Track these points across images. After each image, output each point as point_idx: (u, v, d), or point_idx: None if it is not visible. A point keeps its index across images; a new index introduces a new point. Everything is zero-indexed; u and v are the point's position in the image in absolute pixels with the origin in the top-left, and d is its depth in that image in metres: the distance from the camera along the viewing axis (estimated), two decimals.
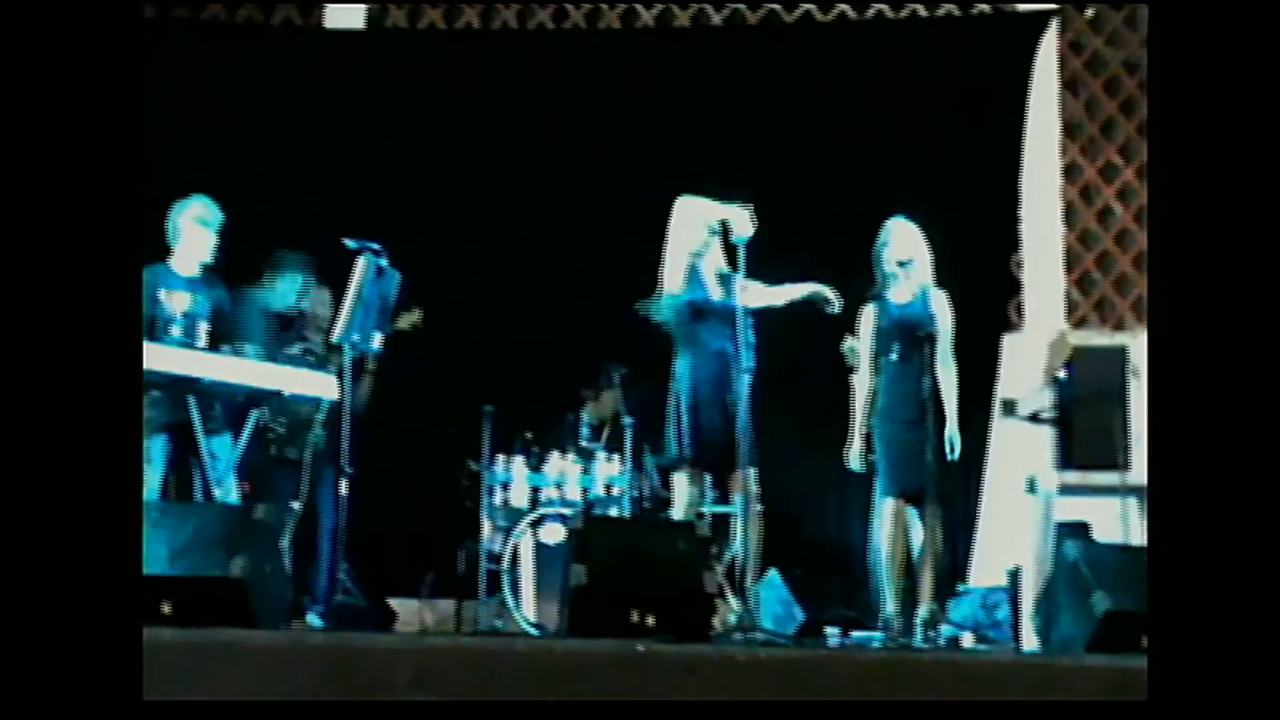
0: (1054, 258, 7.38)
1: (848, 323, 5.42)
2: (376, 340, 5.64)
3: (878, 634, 5.23)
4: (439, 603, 6.52)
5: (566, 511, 6.12)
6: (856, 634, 5.65)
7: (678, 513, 5.22)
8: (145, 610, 4.38)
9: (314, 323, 6.11)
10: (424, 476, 6.53)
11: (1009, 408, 7.09)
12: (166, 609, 4.44)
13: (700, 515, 5.20)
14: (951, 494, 5.60)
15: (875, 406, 5.32)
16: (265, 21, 7.81)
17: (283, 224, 7.01)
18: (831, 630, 5.65)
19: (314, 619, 5.61)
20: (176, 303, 5.45)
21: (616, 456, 6.30)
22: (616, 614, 4.47)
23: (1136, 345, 6.83)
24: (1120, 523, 6.59)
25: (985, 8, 7.58)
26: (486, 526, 6.28)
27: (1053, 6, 7.45)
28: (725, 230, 5.26)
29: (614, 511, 6.19)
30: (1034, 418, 7.05)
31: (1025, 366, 7.20)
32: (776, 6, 7.68)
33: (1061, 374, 6.98)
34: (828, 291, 5.35)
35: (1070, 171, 7.47)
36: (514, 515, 6.28)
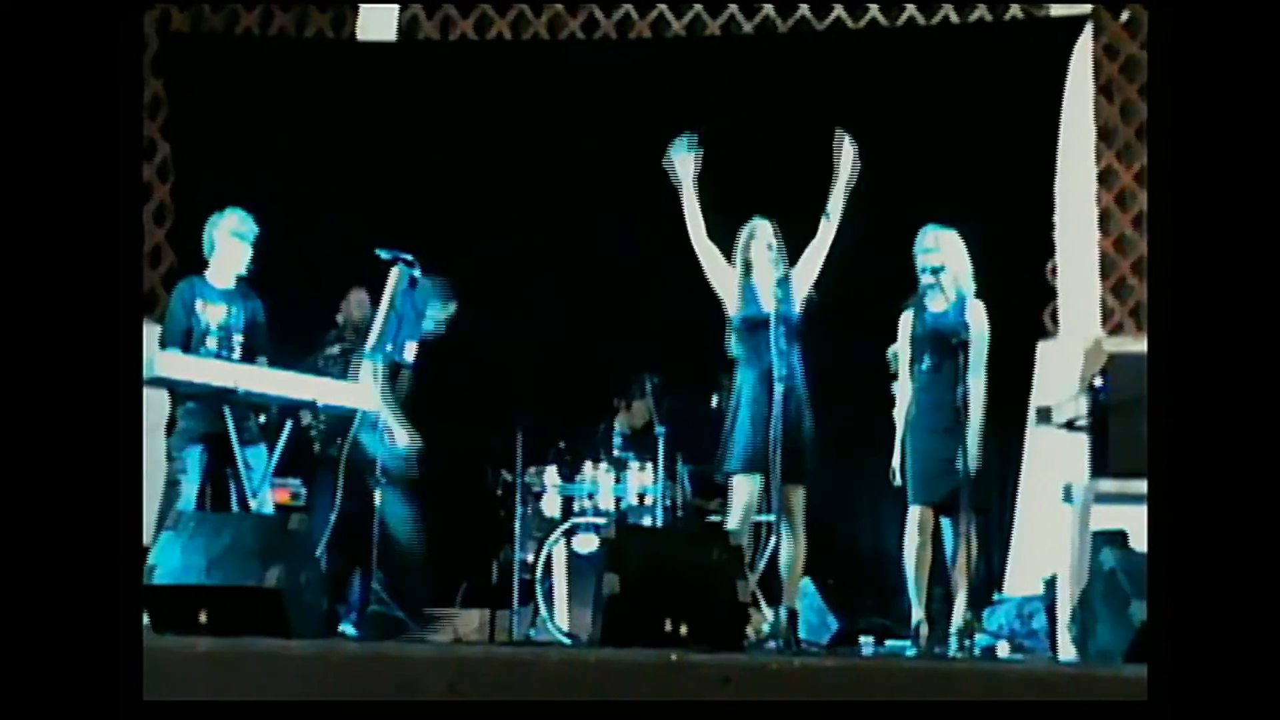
0: (1089, 264, 7.32)
1: (889, 329, 5.40)
2: (409, 351, 5.68)
3: (910, 643, 5.20)
4: (473, 612, 6.53)
5: (599, 521, 6.12)
6: (891, 643, 5.62)
7: (733, 521, 5.18)
8: (182, 619, 4.44)
9: (353, 326, 6.16)
10: (457, 486, 6.54)
11: (1044, 415, 7.04)
12: (203, 618, 4.48)
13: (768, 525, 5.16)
14: (986, 503, 5.56)
15: (907, 414, 5.30)
16: (298, 34, 7.86)
17: (317, 235, 7.08)
18: (866, 639, 5.63)
19: (348, 629, 5.63)
20: (212, 315, 5.49)
21: (649, 465, 6.30)
22: (650, 623, 4.46)
23: None
24: None
25: (1018, 12, 7.55)
26: (519, 536, 6.29)
27: (1087, 10, 7.40)
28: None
29: (647, 521, 6.18)
30: (1069, 425, 6.99)
31: (1060, 374, 7.15)
32: (808, 14, 7.67)
33: (1097, 381, 6.92)
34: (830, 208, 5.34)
35: (1105, 177, 7.42)
36: (547, 525, 6.28)
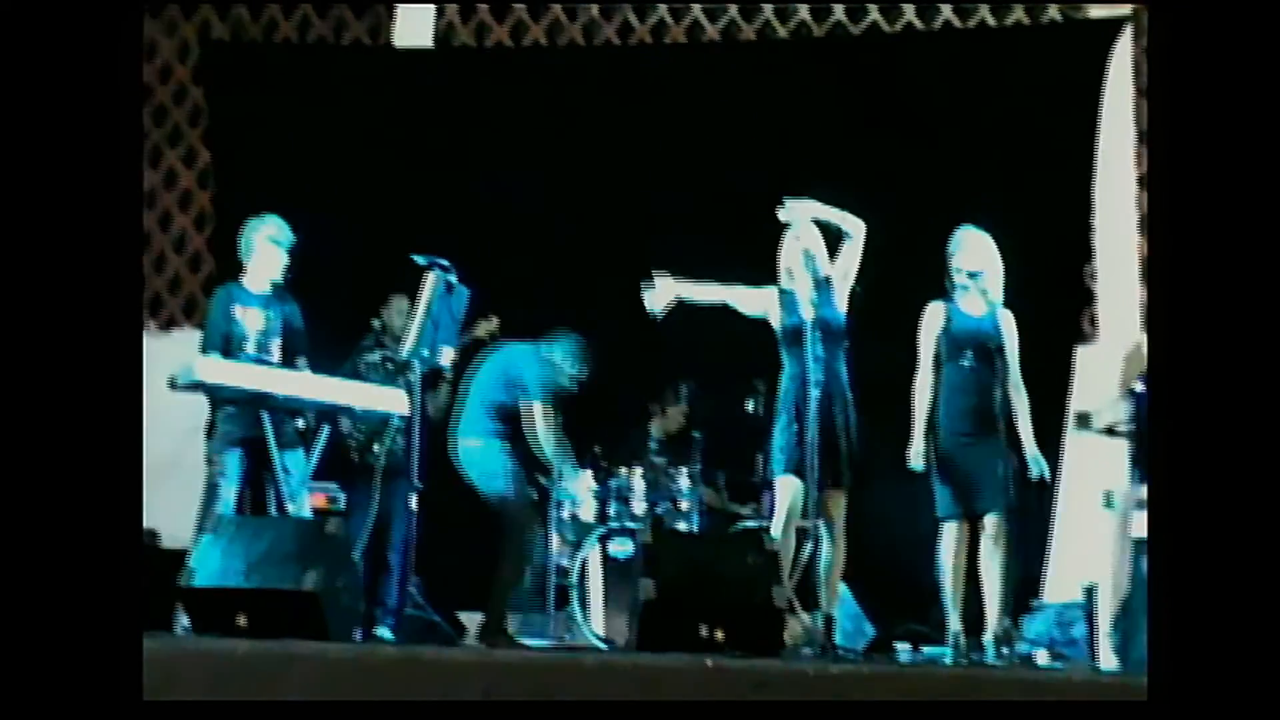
0: (1129, 267, 7.25)
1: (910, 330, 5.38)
2: (446, 356, 5.70)
3: (949, 650, 5.17)
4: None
5: (635, 526, 6.12)
6: (928, 649, 5.58)
7: (776, 525, 5.17)
8: (222, 622, 4.48)
9: (392, 333, 6.20)
10: None
11: (1084, 421, 6.98)
12: (242, 621, 4.51)
13: (803, 530, 5.15)
14: (1023, 509, 5.51)
15: (939, 415, 5.25)
16: (336, 41, 7.92)
17: (354, 241, 7.12)
18: (902, 646, 5.59)
19: (385, 632, 5.66)
20: (250, 320, 5.53)
21: (685, 470, 6.29)
22: (685, 628, 4.46)
23: None
24: None
25: (1056, 15, 7.50)
26: (555, 541, 6.30)
27: (1126, 12, 7.34)
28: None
29: (682, 526, 6.18)
30: (1110, 431, 6.94)
31: (1100, 379, 7.09)
32: (843, 19, 7.66)
33: (1138, 386, 6.86)
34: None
35: (1146, 179, 7.36)
36: (582, 529, 6.29)
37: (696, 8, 7.77)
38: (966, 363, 5.24)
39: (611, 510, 6.32)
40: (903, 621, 5.94)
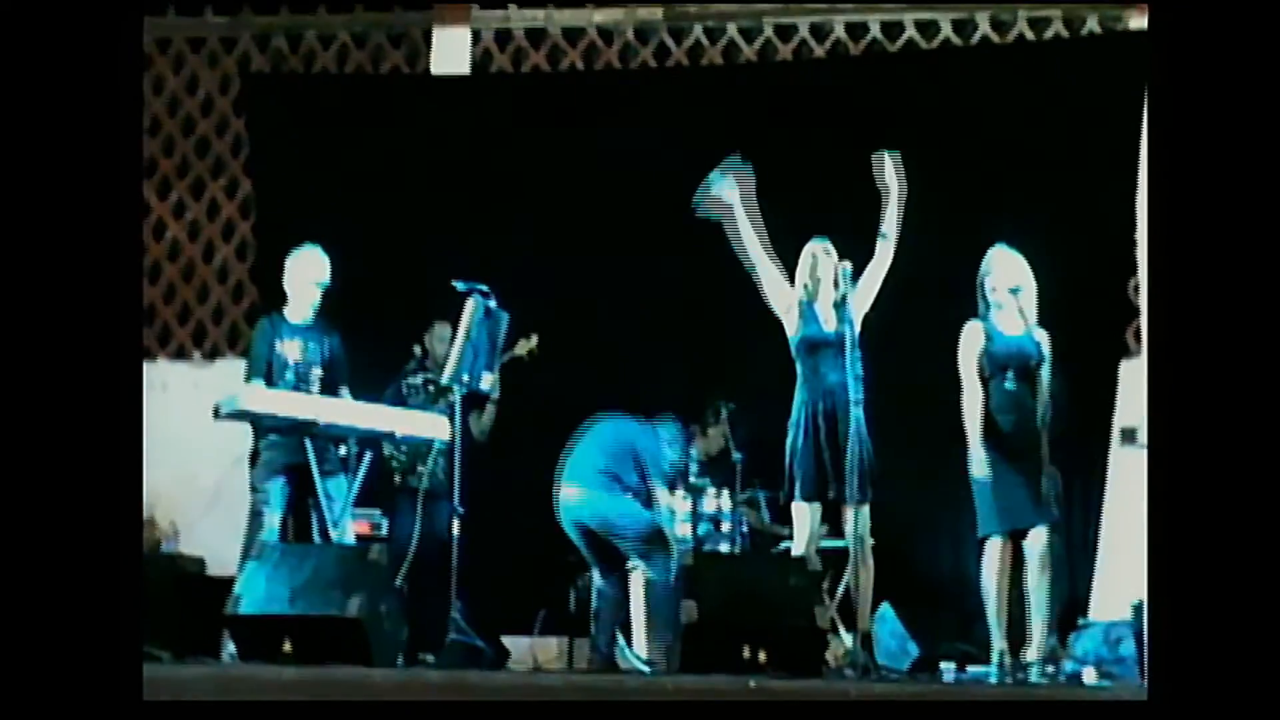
0: None
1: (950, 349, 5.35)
2: (486, 380, 5.74)
3: (994, 669, 5.13)
4: (551, 640, 6.55)
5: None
6: (973, 669, 5.54)
7: (798, 547, 5.17)
8: (267, 648, 4.51)
9: (434, 358, 6.23)
10: (534, 515, 6.57)
11: (1129, 436, 6.92)
12: (287, 647, 4.55)
13: (818, 550, 5.15)
14: (1068, 526, 5.48)
15: (979, 433, 5.21)
16: (374, 71, 8.00)
17: (395, 268, 7.17)
18: (947, 665, 5.55)
19: (428, 657, 5.67)
20: (291, 350, 5.58)
21: (725, 492, 6.29)
22: (728, 650, 4.46)
23: None
24: None
25: (1096, 27, 7.46)
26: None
27: None
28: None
29: (724, 547, 6.17)
30: None
31: (1145, 393, 7.01)
32: (879, 36, 7.66)
33: None
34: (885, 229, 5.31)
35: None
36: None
37: (731, 28, 7.79)
38: (1009, 384, 5.21)
39: (701, 531, 6.32)
40: (948, 641, 5.89)
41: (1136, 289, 7.21)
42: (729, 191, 5.35)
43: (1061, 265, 5.43)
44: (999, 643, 5.11)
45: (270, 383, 5.47)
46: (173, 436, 6.92)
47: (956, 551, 6.39)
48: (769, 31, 7.78)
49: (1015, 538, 5.14)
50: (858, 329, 5.21)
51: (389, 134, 7.61)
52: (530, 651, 6.45)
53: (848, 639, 4.93)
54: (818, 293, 5.32)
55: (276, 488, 5.42)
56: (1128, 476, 6.82)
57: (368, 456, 5.50)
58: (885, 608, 5.89)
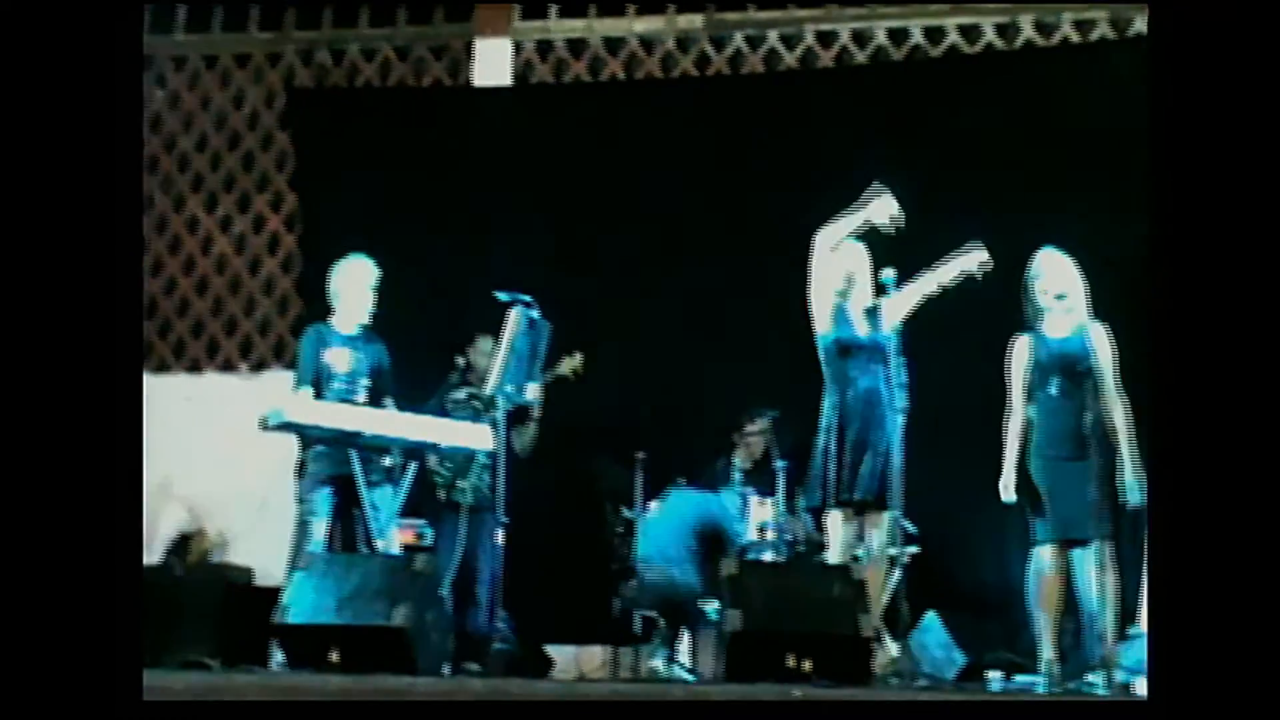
0: None
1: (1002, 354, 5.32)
2: (530, 391, 5.76)
3: (1042, 678, 5.08)
4: (595, 649, 6.56)
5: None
6: (1020, 678, 5.49)
7: (834, 555, 5.16)
8: (315, 657, 4.55)
9: (476, 371, 6.27)
10: (578, 524, 6.60)
11: None
12: (334, 656, 4.58)
13: (855, 558, 5.13)
14: (1120, 533, 5.41)
15: (1031, 442, 5.18)
16: (416, 83, 8.06)
17: (439, 280, 7.22)
18: (994, 674, 5.50)
19: (472, 666, 5.70)
20: (338, 361, 5.62)
21: (769, 500, 6.28)
22: (772, 658, 4.45)
23: None
24: None
25: (1142, 29, 7.40)
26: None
27: None
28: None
29: (768, 555, 6.16)
30: None
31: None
32: (921, 41, 7.63)
33: None
34: (976, 258, 5.23)
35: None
36: None
37: (773, 35, 7.79)
38: (1054, 390, 5.16)
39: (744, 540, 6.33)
40: (994, 649, 5.85)
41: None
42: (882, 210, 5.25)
43: (1112, 269, 5.36)
44: (1047, 651, 5.06)
45: (318, 392, 5.51)
46: (221, 448, 7.02)
47: (1002, 560, 6.33)
48: (810, 39, 7.77)
49: (1066, 546, 5.10)
50: (887, 333, 5.18)
51: (432, 146, 7.66)
52: (575, 660, 6.46)
53: (893, 647, 4.90)
54: (851, 295, 5.28)
55: (323, 498, 5.46)
56: None
57: (412, 467, 5.53)
58: (931, 616, 5.86)
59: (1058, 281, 5.25)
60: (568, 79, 7.96)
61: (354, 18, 8.12)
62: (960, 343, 6.04)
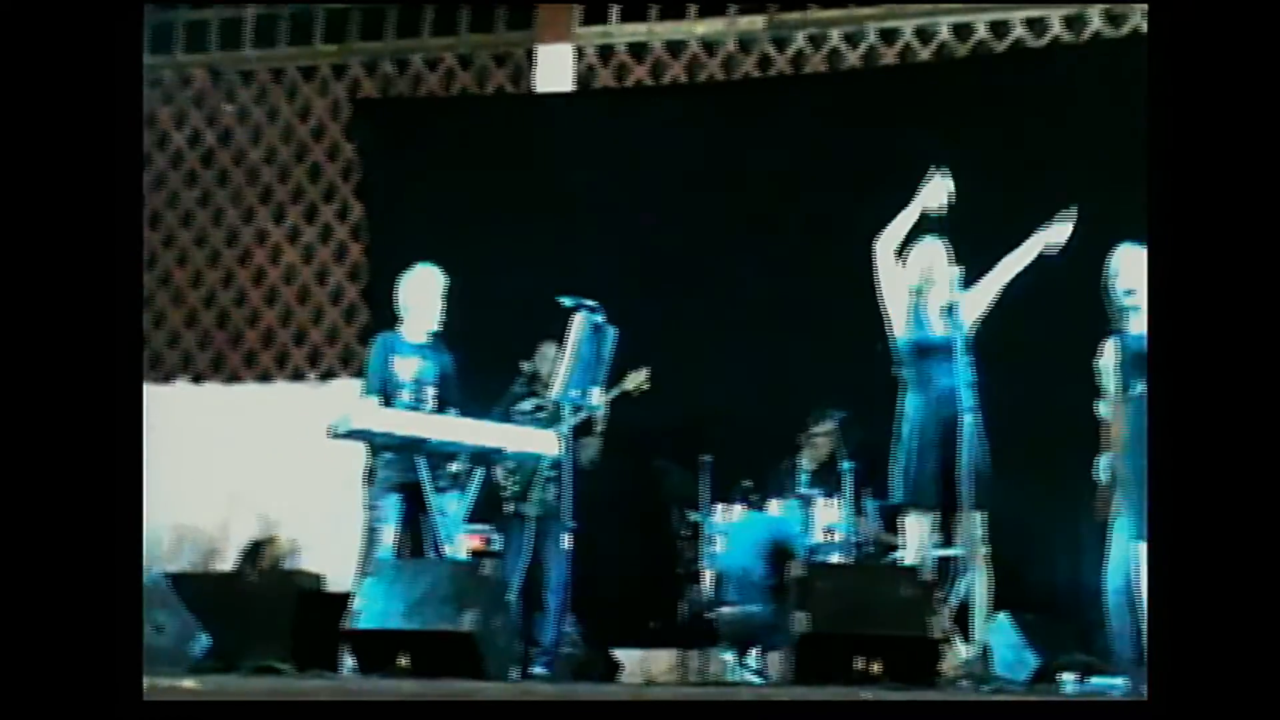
0: None
1: (1079, 353, 5.23)
2: (595, 396, 5.76)
3: (1119, 680, 5.00)
4: (662, 652, 6.56)
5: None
6: (1096, 680, 5.40)
7: (909, 556, 5.10)
8: (385, 662, 4.59)
9: (541, 378, 6.29)
10: (645, 528, 6.61)
11: None
12: (404, 661, 4.62)
13: (932, 560, 5.07)
14: None
15: (1123, 443, 5.08)
16: (479, 90, 8.12)
17: (504, 286, 7.25)
18: (1067, 676, 5.42)
19: (540, 670, 5.72)
20: (406, 369, 5.66)
21: (836, 501, 6.24)
22: (841, 661, 4.42)
23: None
24: None
25: None
26: (708, 576, 6.29)
27: None
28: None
29: (835, 557, 6.12)
30: None
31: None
32: (986, 36, 7.56)
33: None
34: (1053, 234, 5.17)
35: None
36: None
37: (835, 34, 7.76)
38: (1142, 388, 5.07)
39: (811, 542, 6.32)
40: (1068, 651, 5.76)
41: None
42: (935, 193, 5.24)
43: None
44: (1129, 650, 4.97)
45: (386, 400, 5.56)
46: (291, 457, 7.11)
47: (1076, 560, 6.24)
48: (873, 37, 7.72)
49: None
50: (967, 331, 5.12)
51: (495, 153, 7.70)
52: (642, 664, 6.46)
53: (963, 649, 4.85)
54: (928, 295, 5.22)
55: (391, 504, 5.50)
56: None
57: (479, 473, 5.56)
58: (1001, 617, 5.78)
59: (1130, 278, 5.15)
60: (629, 83, 7.97)
61: (417, 27, 8.20)
62: (1033, 340, 5.97)
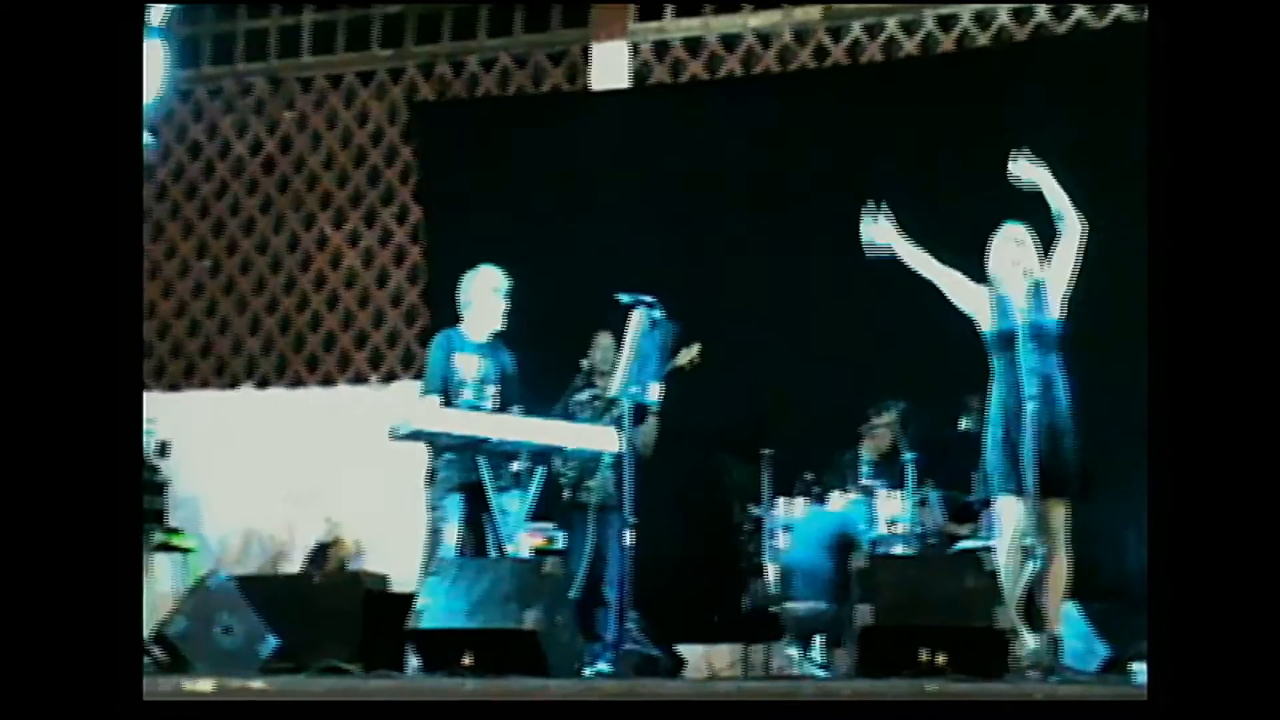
0: None
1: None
2: (653, 392, 5.74)
3: None
4: (725, 647, 6.54)
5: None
6: None
7: (1001, 546, 4.99)
8: (448, 661, 4.61)
9: (600, 372, 6.30)
10: (707, 522, 6.58)
11: None
12: (468, 660, 4.64)
13: (1026, 549, 4.97)
14: None
15: None
16: (535, 90, 8.13)
17: (563, 284, 7.26)
18: (1138, 667, 5.32)
19: (604, 667, 5.72)
20: (467, 367, 5.68)
21: (898, 492, 6.18)
22: (905, 653, 4.38)
23: None
24: None
25: None
26: (770, 570, 6.26)
27: None
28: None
29: (898, 549, 6.07)
30: None
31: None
32: (1045, 19, 7.45)
33: None
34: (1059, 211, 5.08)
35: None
36: None
37: (891, 23, 7.69)
38: None
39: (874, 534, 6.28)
40: (1138, 641, 5.66)
41: None
42: (878, 231, 5.23)
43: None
44: None
45: (447, 399, 5.58)
46: (354, 459, 7.18)
47: (1144, 547, 6.14)
48: (930, 24, 7.64)
49: None
50: (1055, 314, 5.02)
51: (553, 151, 7.72)
52: (705, 659, 6.45)
53: (1030, 640, 4.77)
54: (1011, 282, 5.10)
55: (453, 504, 5.52)
56: None
57: (540, 471, 5.57)
58: (1069, 607, 5.69)
59: None
60: (685, 78, 7.95)
61: (472, 29, 8.24)
62: (1111, 328, 5.86)
